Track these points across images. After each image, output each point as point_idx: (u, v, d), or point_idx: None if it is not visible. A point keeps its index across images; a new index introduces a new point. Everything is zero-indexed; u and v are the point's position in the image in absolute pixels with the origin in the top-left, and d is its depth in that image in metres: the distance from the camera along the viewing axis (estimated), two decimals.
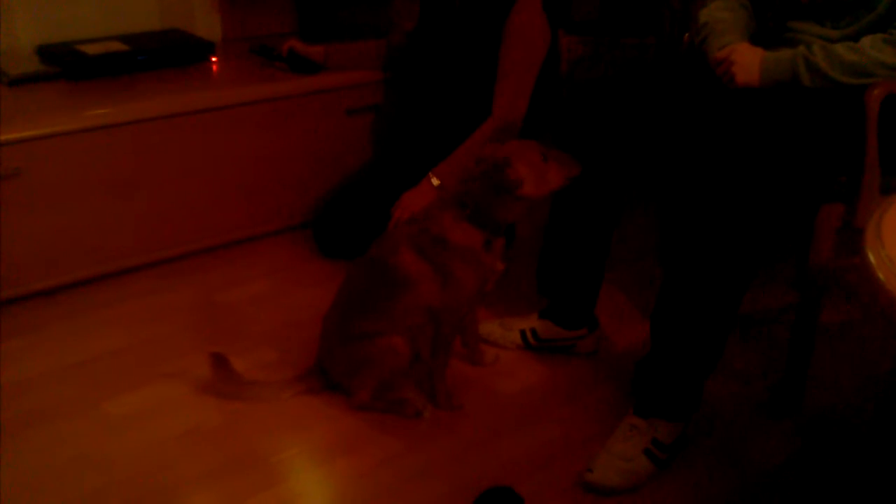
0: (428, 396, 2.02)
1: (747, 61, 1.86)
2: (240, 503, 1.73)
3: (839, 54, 1.77)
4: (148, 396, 2.04)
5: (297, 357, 2.14)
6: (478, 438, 1.93)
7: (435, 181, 2.36)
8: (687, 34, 2.24)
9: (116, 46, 2.76)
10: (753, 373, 2.17)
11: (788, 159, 1.73)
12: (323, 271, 2.61)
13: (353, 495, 1.77)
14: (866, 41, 1.78)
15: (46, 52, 2.72)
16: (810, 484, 1.82)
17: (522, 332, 2.23)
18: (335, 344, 1.98)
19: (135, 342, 2.25)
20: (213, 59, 2.90)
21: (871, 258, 1.09)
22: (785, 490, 1.80)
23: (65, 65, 2.64)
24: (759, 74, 1.85)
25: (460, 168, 2.19)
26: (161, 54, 2.80)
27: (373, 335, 1.91)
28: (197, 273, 2.61)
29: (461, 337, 2.14)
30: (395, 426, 1.96)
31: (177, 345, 2.23)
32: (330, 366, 2.01)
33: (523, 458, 1.87)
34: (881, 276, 1.05)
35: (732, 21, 2.00)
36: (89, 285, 2.49)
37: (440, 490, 1.77)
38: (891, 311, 1.04)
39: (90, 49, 2.71)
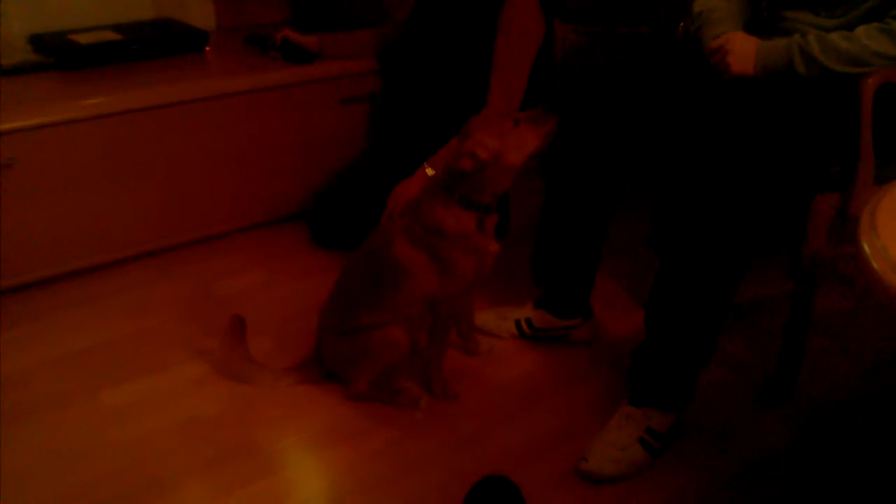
0: (424, 386, 2.03)
1: (742, 50, 1.86)
2: (237, 492, 1.73)
3: (834, 43, 1.77)
4: (145, 386, 2.04)
5: (293, 347, 2.14)
6: (473, 428, 1.94)
7: (429, 171, 2.36)
8: (682, 23, 2.24)
9: (109, 36, 2.75)
10: (747, 361, 2.18)
11: (783, 148, 1.73)
12: (318, 261, 2.61)
13: (349, 484, 1.78)
14: (861, 30, 1.77)
15: (39, 42, 2.70)
16: (804, 472, 1.83)
17: (517, 322, 2.24)
18: (333, 336, 1.98)
19: (131, 332, 2.25)
20: (207, 48, 2.88)
21: (866, 248, 1.09)
22: (779, 479, 1.81)
23: (58, 54, 2.63)
24: (754, 63, 1.85)
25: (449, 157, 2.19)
26: (155, 44, 2.79)
27: (371, 327, 1.92)
28: (192, 263, 2.61)
29: (457, 327, 2.14)
30: (391, 416, 1.96)
31: (173, 335, 2.24)
32: (328, 357, 2.01)
33: (519, 447, 1.88)
34: (876, 266, 1.05)
35: (727, 10, 1.99)
36: (85, 275, 2.49)
37: (436, 479, 1.78)
38: (885, 301, 1.04)
39: (83, 38, 2.70)
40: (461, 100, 2.47)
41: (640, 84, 2.05)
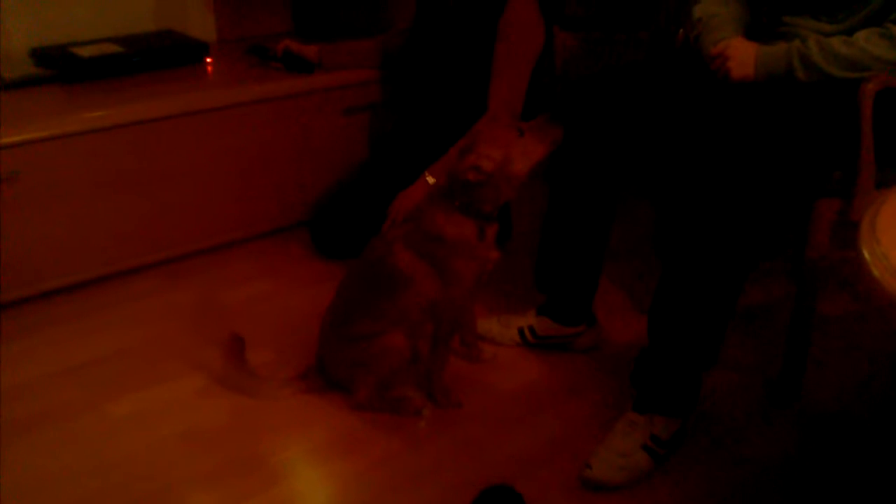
0: (427, 395, 2.03)
1: (742, 56, 1.86)
2: (241, 503, 1.74)
3: (834, 48, 1.77)
4: (148, 397, 2.04)
5: (295, 356, 2.14)
6: (476, 436, 1.94)
7: (431, 180, 2.36)
8: (681, 30, 2.24)
9: (111, 48, 2.76)
10: (751, 366, 2.17)
11: (784, 154, 1.73)
12: (320, 271, 2.61)
13: (352, 495, 1.78)
14: (861, 35, 1.78)
15: (40, 55, 2.71)
16: (809, 477, 1.82)
17: (520, 330, 2.24)
18: (334, 345, 1.99)
19: (134, 344, 2.25)
20: (208, 59, 2.89)
21: (866, 255, 1.09)
22: (783, 484, 1.81)
23: (59, 68, 2.64)
24: (754, 69, 1.85)
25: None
26: (156, 56, 2.79)
27: (372, 335, 1.92)
28: (195, 274, 2.61)
29: (459, 335, 2.14)
30: (394, 425, 1.96)
31: (176, 346, 2.24)
32: (329, 366, 2.02)
33: (522, 456, 1.87)
34: (876, 272, 1.05)
35: (727, 15, 2.00)
36: (89, 287, 2.49)
37: (440, 489, 1.77)
38: (886, 306, 1.04)
39: (84, 51, 2.71)
40: (462, 108, 2.47)
41: (640, 90, 2.05)
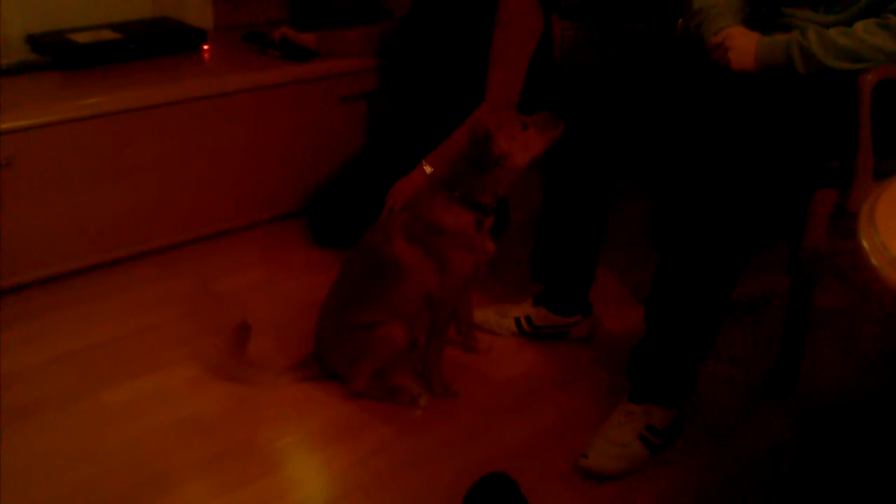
0: (423, 384, 2.03)
1: (742, 46, 1.86)
2: (237, 491, 1.73)
3: (833, 39, 1.77)
4: (145, 385, 2.04)
5: (293, 345, 2.14)
6: (473, 425, 1.94)
7: (428, 168, 2.35)
8: (681, 19, 2.24)
9: (107, 35, 2.74)
10: (747, 357, 2.18)
11: (782, 144, 1.74)
12: (318, 259, 2.61)
13: (349, 482, 1.78)
14: (859, 26, 1.77)
15: (37, 42, 2.70)
16: (804, 468, 1.83)
17: (517, 319, 2.24)
18: (332, 334, 1.99)
19: (131, 331, 2.25)
20: (205, 47, 2.88)
21: (865, 244, 1.09)
22: (779, 474, 1.81)
23: (56, 54, 2.62)
24: (754, 59, 1.85)
25: (453, 154, 2.19)
26: (153, 42, 2.78)
27: (370, 325, 1.92)
28: (192, 262, 2.61)
29: (456, 324, 2.14)
30: (391, 413, 1.96)
31: (173, 334, 2.23)
32: (327, 355, 2.02)
33: (518, 445, 1.88)
34: (875, 261, 1.05)
35: (726, 5, 1.99)
36: (84, 274, 2.48)
37: (436, 477, 1.78)
38: (885, 297, 1.04)
39: (81, 38, 2.69)
40: (460, 96, 2.47)
41: (637, 80, 2.05)
